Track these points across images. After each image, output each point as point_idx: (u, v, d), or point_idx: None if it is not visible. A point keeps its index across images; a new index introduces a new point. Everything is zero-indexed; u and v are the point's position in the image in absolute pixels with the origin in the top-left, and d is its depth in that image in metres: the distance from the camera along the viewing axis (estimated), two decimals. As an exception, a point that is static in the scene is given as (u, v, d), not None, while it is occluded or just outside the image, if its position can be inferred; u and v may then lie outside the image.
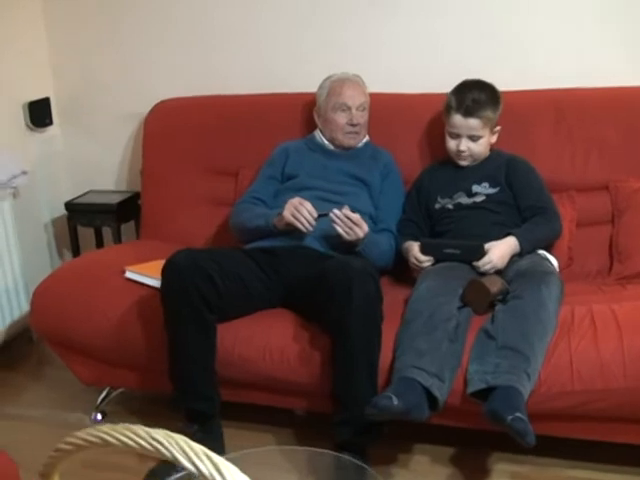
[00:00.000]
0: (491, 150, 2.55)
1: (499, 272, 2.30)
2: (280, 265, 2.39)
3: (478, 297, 2.20)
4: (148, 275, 2.48)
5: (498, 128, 2.51)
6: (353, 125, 2.61)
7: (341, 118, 2.62)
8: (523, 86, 2.69)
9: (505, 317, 2.09)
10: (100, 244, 3.27)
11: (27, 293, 3.02)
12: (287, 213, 2.35)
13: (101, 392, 2.63)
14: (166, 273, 2.20)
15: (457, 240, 2.40)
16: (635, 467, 2.18)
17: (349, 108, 2.60)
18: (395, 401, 1.91)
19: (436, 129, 2.68)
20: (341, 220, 2.33)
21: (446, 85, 2.64)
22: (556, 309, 2.12)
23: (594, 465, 2.20)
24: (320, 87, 2.70)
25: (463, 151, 2.48)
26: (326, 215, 2.36)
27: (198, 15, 3.06)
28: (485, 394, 1.99)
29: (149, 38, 3.15)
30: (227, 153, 2.94)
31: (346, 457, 1.65)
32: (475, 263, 2.30)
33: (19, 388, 2.85)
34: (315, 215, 2.35)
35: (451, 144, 2.50)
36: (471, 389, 2.02)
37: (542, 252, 2.41)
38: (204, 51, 3.10)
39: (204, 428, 2.22)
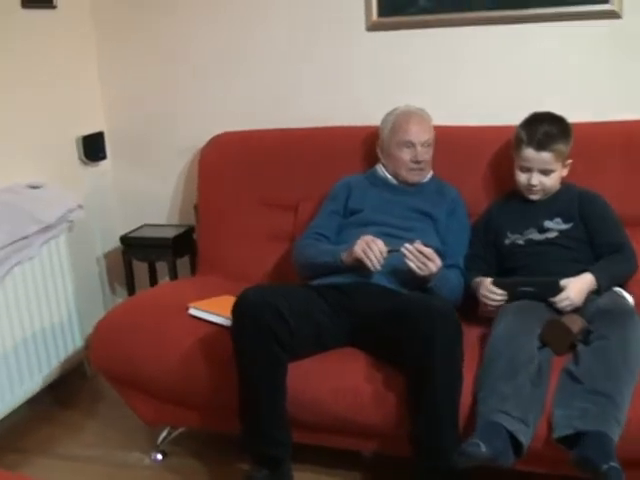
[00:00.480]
0: (562, 184, 2.48)
1: (577, 310, 2.23)
2: (349, 302, 2.33)
3: (558, 337, 2.13)
4: (212, 312, 2.43)
5: (569, 161, 2.45)
6: (417, 162, 2.57)
7: (405, 154, 2.57)
8: (589, 118, 2.64)
9: (591, 359, 2.02)
10: (154, 279, 3.24)
11: (81, 328, 2.99)
12: (358, 249, 2.30)
13: (161, 431, 2.57)
14: (237, 311, 2.15)
15: (531, 277, 2.34)
16: None
17: (413, 145, 2.56)
18: (483, 448, 1.85)
19: (501, 162, 2.64)
20: (414, 255, 2.27)
21: (510, 117, 2.59)
22: None
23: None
24: (384, 121, 2.65)
25: (534, 185, 2.42)
26: (397, 251, 2.30)
27: (254, 48, 3.05)
28: (571, 440, 1.92)
29: (204, 72, 3.13)
30: (286, 187, 2.90)
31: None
32: (552, 299, 2.23)
33: (75, 426, 2.80)
34: (385, 254, 2.30)
35: (522, 178, 2.45)
36: (558, 434, 1.94)
37: (618, 289, 2.34)
38: (261, 84, 3.08)
39: (274, 474, 2.15)
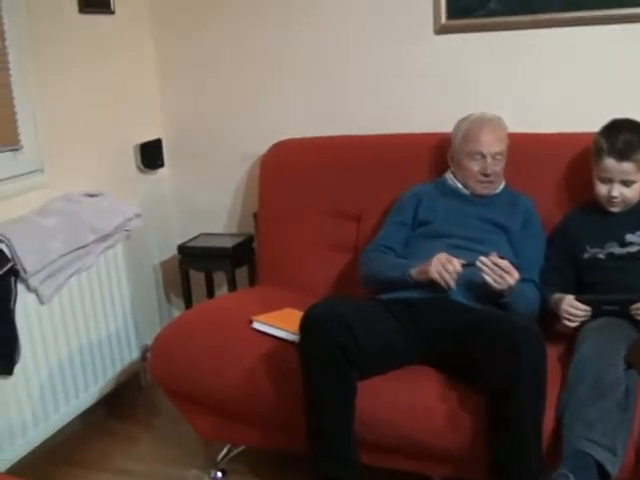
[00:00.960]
0: None
1: None
2: (421, 319, 2.21)
3: None
4: (277, 326, 2.33)
5: None
6: (486, 175, 2.44)
7: (474, 166, 2.45)
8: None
9: None
10: (211, 289, 3.16)
11: (137, 338, 2.93)
12: (433, 270, 2.18)
13: (220, 449, 2.48)
14: (306, 326, 2.05)
15: (615, 295, 2.20)
16: None
17: (484, 156, 2.43)
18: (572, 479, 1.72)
19: (577, 171, 2.50)
20: (490, 268, 2.15)
21: (586, 124, 2.47)
22: None
23: None
24: (456, 127, 2.54)
25: (615, 197, 2.29)
26: (472, 265, 2.18)
27: (318, 52, 2.97)
28: None
29: (264, 78, 3.06)
30: (349, 196, 2.80)
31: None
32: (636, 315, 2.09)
33: (130, 440, 2.73)
34: (460, 272, 2.18)
35: (602, 189, 2.31)
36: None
37: None
38: (323, 90, 3.00)
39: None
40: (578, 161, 2.51)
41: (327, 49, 2.95)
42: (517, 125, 2.55)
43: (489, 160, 2.43)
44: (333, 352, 2.00)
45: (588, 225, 2.38)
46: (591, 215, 2.39)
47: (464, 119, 2.53)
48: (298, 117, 3.02)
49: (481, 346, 1.95)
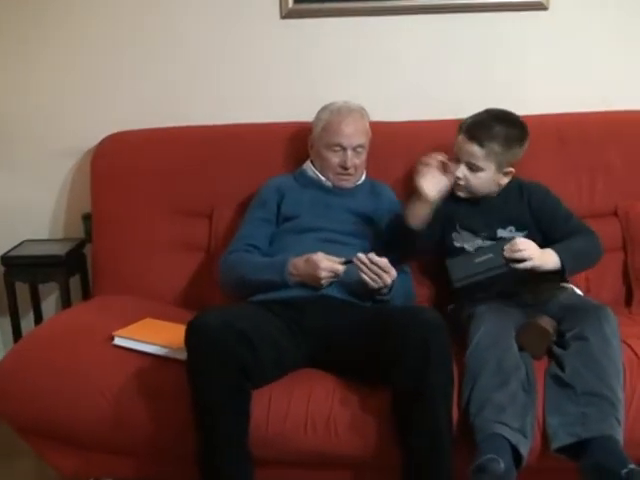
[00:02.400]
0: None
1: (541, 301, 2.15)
2: (304, 319, 2.08)
3: (537, 340, 2.02)
4: (143, 340, 2.09)
5: (510, 170, 2.25)
6: (345, 168, 2.35)
7: (334, 157, 2.35)
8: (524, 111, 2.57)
9: (576, 361, 1.92)
10: (37, 303, 2.79)
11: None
12: (325, 282, 2.10)
13: (84, 484, 2.19)
14: (195, 338, 1.84)
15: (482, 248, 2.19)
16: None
17: (344, 149, 2.34)
18: (501, 463, 1.71)
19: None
20: (367, 267, 2.07)
21: (443, 112, 2.54)
22: (620, 345, 1.98)
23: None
24: (317, 117, 2.41)
25: (459, 177, 2.21)
26: (350, 262, 2.09)
27: (152, 37, 2.69)
28: (572, 449, 1.82)
29: (86, 63, 2.72)
30: (197, 192, 2.58)
31: None
32: (507, 252, 2.07)
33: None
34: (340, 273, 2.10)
35: (454, 169, 2.22)
36: (558, 444, 1.83)
37: (571, 287, 2.26)
38: (160, 78, 2.72)
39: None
40: (437, 148, 2.49)
41: (167, 33, 2.69)
42: (371, 113, 2.48)
43: (349, 153, 2.34)
44: (229, 364, 1.82)
45: (457, 209, 2.31)
46: (459, 200, 2.32)
47: (325, 108, 2.42)
48: (132, 108, 2.72)
49: (387, 345, 1.86)
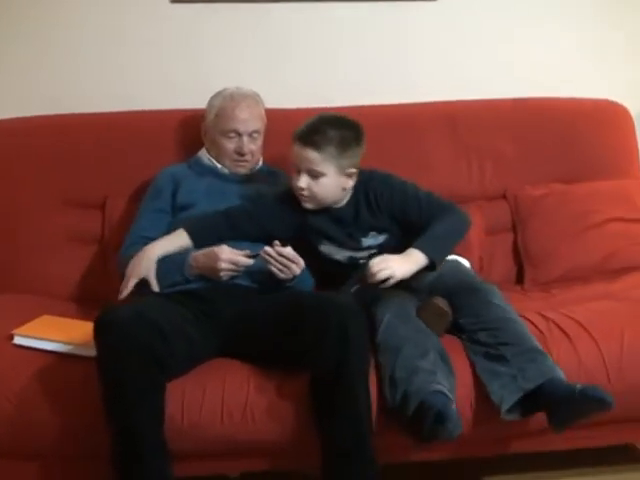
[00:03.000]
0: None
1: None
2: (212, 309, 2.04)
3: (436, 319, 2.05)
4: (43, 337, 1.98)
5: (353, 170, 2.14)
6: (242, 154, 2.32)
7: (229, 144, 2.32)
8: (412, 99, 2.64)
9: (490, 334, 1.97)
10: None
11: None
12: (224, 271, 2.05)
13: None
14: (106, 332, 1.77)
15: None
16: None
17: (240, 135, 2.31)
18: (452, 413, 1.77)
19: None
20: (274, 259, 2.05)
21: (334, 99, 2.55)
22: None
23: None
24: (209, 103, 2.37)
25: (302, 188, 2.11)
26: (256, 256, 2.07)
27: (40, 14, 2.56)
28: (522, 407, 1.89)
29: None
30: (86, 182, 2.48)
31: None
32: (366, 275, 2.02)
33: None
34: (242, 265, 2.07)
35: (293, 181, 2.14)
36: (507, 405, 1.87)
37: (453, 257, 2.26)
38: (45, 60, 2.59)
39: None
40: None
41: (53, 14, 2.56)
42: (264, 99, 2.45)
43: (245, 138, 2.32)
44: (143, 358, 1.76)
45: (322, 223, 2.21)
46: (316, 213, 2.20)
47: (218, 94, 2.38)
48: (13, 95, 2.58)
49: (303, 331, 1.85)
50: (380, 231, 2.20)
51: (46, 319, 2.11)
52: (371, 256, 2.12)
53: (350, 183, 2.16)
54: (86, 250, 2.46)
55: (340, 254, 2.21)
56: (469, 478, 2.21)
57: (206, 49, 2.65)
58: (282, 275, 2.06)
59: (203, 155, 2.41)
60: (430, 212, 2.15)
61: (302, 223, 2.19)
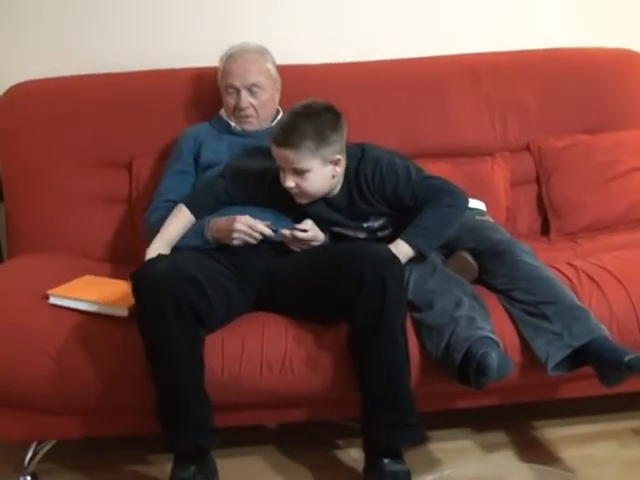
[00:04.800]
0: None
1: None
2: (245, 263, 2.06)
3: (463, 273, 2.09)
4: (76, 298, 2.01)
5: (338, 157, 2.05)
6: (241, 109, 2.32)
7: (230, 100, 2.33)
8: (435, 52, 2.63)
9: (526, 292, 1.99)
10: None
11: None
12: (236, 239, 2.05)
13: (27, 450, 2.09)
14: (146, 288, 1.79)
15: None
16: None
17: (237, 89, 2.31)
18: (494, 354, 1.79)
19: (355, 99, 2.50)
20: (293, 242, 2.06)
21: (357, 54, 2.53)
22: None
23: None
24: (219, 61, 2.38)
25: (292, 188, 2.05)
26: (275, 231, 2.07)
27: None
28: (568, 362, 1.92)
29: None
30: (113, 142, 2.48)
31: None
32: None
33: None
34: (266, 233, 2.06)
35: (282, 180, 2.07)
36: (553, 362, 1.90)
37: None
38: (67, 20, 2.58)
39: (202, 468, 1.87)
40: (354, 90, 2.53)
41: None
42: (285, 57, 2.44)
43: (243, 92, 2.30)
44: (186, 312, 1.79)
45: (322, 213, 2.16)
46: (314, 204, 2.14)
47: (225, 53, 2.38)
48: (36, 55, 2.57)
49: (342, 283, 1.86)
50: (378, 216, 2.16)
51: (88, 280, 2.14)
52: (383, 237, 2.14)
53: (338, 169, 2.07)
54: (115, 210, 2.48)
55: (350, 234, 2.19)
56: (515, 424, 2.23)
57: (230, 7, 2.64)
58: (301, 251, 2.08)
59: (222, 112, 2.41)
60: (424, 197, 2.07)
61: (304, 212, 2.15)
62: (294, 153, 1.99)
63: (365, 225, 2.16)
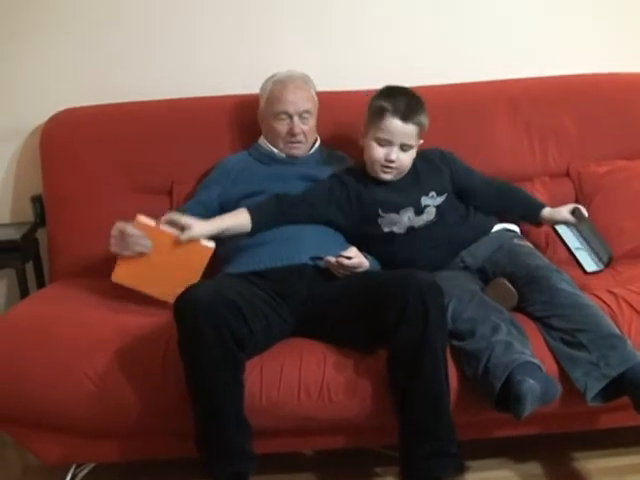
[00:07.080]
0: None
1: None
2: (285, 289, 2.07)
3: (502, 301, 2.07)
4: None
5: (421, 142, 2.23)
6: (293, 135, 2.35)
7: (282, 126, 2.35)
8: (471, 78, 2.64)
9: (563, 319, 1.97)
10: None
11: None
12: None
13: (66, 472, 2.11)
14: (187, 314, 1.81)
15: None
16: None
17: (290, 116, 2.34)
18: (532, 382, 1.77)
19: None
20: (338, 270, 2.08)
21: (394, 81, 2.49)
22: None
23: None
24: (262, 88, 2.41)
25: (392, 161, 2.17)
26: (320, 259, 2.10)
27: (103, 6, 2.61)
28: (608, 392, 1.89)
29: (37, 35, 2.61)
30: (154, 168, 2.53)
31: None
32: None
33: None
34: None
35: (378, 153, 2.18)
36: (592, 393, 1.88)
37: (500, 226, 2.32)
38: (111, 50, 2.65)
39: (241, 493, 1.87)
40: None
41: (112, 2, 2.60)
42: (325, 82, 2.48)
43: (296, 119, 2.34)
44: (227, 337, 1.80)
45: (377, 194, 2.25)
46: (368, 185, 2.26)
47: (268, 79, 2.42)
48: (68, 84, 2.64)
49: (384, 309, 1.86)
50: (439, 192, 2.23)
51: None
52: (428, 226, 2.19)
53: (414, 154, 2.23)
54: (155, 236, 2.51)
55: (398, 225, 2.21)
56: (554, 455, 2.20)
57: (266, 35, 2.69)
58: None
59: (261, 141, 2.44)
60: (492, 182, 2.33)
61: (359, 200, 2.23)
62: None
63: (422, 201, 2.20)
